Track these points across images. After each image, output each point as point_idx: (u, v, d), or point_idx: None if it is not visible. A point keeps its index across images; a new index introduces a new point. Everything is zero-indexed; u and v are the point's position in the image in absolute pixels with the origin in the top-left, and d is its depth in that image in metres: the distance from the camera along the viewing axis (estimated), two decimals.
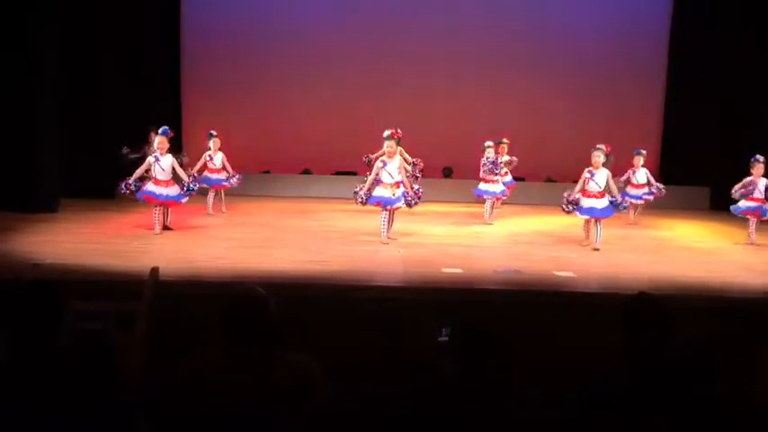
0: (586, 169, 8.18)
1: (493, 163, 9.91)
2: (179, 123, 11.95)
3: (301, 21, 13.35)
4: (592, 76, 13.47)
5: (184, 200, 8.45)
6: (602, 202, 8.12)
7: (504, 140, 10.52)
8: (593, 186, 8.16)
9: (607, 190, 8.18)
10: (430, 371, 3.08)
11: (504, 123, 12.05)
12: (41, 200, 9.58)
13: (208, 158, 10.14)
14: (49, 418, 2.49)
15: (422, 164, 9.68)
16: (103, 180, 11.17)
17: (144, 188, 8.23)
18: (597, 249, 8.04)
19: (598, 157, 8.11)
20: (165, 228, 8.43)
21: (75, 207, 9.86)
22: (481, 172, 10.09)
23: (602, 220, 8.16)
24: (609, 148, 8.22)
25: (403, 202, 8.12)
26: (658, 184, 10.43)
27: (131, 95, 11.73)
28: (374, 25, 13.38)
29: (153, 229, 8.23)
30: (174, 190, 8.33)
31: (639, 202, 10.36)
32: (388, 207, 8.09)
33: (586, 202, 8.13)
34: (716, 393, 2.80)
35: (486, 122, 12.16)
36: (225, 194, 10.59)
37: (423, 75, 13.27)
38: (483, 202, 10.25)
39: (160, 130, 8.44)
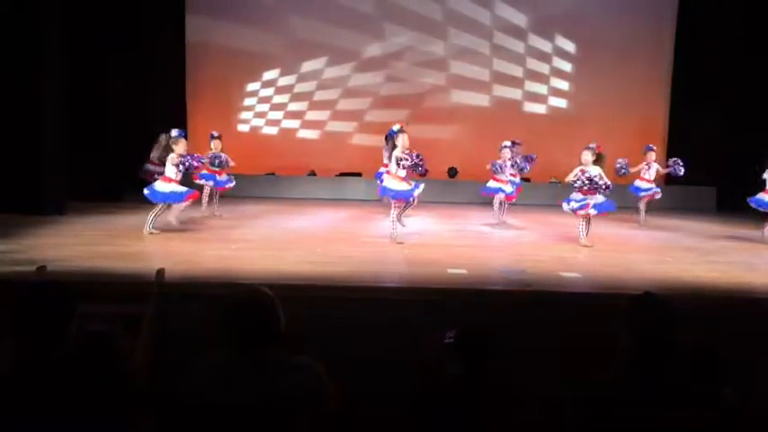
0: (579, 168, 8.26)
1: (500, 166, 9.92)
2: (184, 125, 12.00)
3: (306, 22, 13.38)
4: (597, 77, 13.47)
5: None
6: (599, 198, 8.19)
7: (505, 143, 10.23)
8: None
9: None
10: (435, 372, 3.08)
11: (509, 124, 12.05)
12: (48, 202, 9.62)
13: None
14: (56, 420, 2.51)
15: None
16: (110, 182, 11.23)
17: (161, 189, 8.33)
18: (586, 246, 8.13)
19: (587, 155, 8.23)
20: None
21: (81, 209, 9.90)
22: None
23: (592, 219, 8.21)
24: (600, 148, 8.29)
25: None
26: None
27: (137, 97, 11.78)
28: (379, 26, 13.40)
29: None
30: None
31: (649, 194, 10.21)
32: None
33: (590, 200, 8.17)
34: (722, 393, 2.79)
35: (491, 123, 12.16)
36: (228, 196, 10.60)
37: (428, 74, 13.28)
38: (491, 201, 10.22)
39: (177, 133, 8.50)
